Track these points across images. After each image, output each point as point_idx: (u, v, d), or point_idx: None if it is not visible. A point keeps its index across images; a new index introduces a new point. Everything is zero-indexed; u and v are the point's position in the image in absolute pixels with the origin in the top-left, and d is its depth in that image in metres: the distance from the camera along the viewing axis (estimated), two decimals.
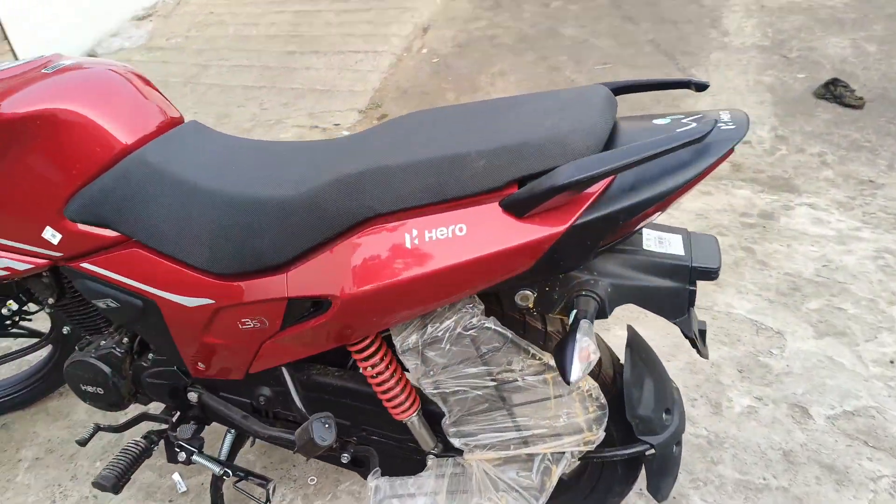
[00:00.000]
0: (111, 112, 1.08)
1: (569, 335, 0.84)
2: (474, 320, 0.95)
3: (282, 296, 0.98)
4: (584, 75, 3.91)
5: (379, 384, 1.07)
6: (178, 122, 1.19)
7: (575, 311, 0.89)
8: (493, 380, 1.01)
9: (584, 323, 0.85)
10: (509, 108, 0.98)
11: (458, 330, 0.95)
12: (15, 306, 1.49)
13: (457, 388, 1.01)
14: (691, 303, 0.94)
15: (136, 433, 1.39)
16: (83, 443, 1.34)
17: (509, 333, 0.98)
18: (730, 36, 4.01)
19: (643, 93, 1.07)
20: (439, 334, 0.96)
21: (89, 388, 1.28)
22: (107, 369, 1.25)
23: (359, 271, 0.90)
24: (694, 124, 0.86)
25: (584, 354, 0.81)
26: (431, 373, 1.01)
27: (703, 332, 1.03)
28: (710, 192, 2.79)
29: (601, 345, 1.14)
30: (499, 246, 0.83)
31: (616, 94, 1.06)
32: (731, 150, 0.84)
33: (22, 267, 1.16)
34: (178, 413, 1.33)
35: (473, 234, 0.85)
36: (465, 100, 3.81)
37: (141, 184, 1.05)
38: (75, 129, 1.05)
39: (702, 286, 2.32)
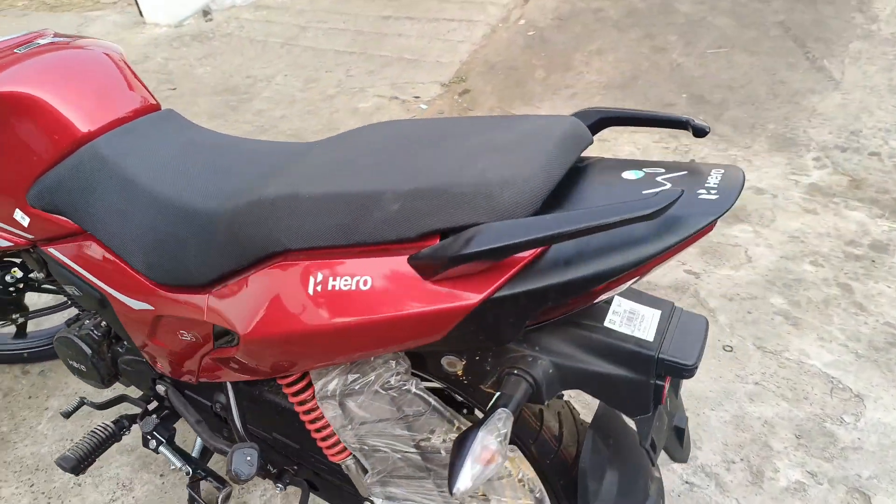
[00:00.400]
0: (73, 98, 1.04)
1: (471, 429, 0.69)
2: (393, 380, 0.82)
3: (202, 318, 0.91)
4: (693, 59, 3.50)
5: (311, 422, 0.97)
6: (150, 110, 1.13)
7: (497, 395, 0.73)
8: (415, 445, 0.88)
9: (500, 413, 0.69)
10: (458, 135, 0.81)
11: (376, 387, 0.83)
12: (20, 274, 1.55)
13: (378, 446, 0.90)
14: (658, 400, 0.75)
15: (118, 412, 1.41)
16: (66, 415, 1.38)
17: (432, 400, 0.84)
18: (878, 23, 3.39)
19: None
20: (357, 387, 0.84)
21: (74, 364, 1.30)
22: (87, 350, 1.26)
23: (259, 311, 0.80)
24: (668, 185, 0.66)
25: (482, 457, 0.66)
26: (349, 426, 0.89)
27: (680, 432, 0.83)
28: (814, 211, 2.39)
29: (564, 411, 0.97)
30: (402, 310, 0.69)
31: (602, 126, 0.86)
32: (708, 229, 0.64)
33: (3, 244, 1.18)
34: (154, 401, 1.32)
35: (377, 290, 0.71)
36: (554, 79, 3.55)
37: (92, 176, 1.00)
38: (35, 114, 1.02)
39: (774, 318, 2.01)
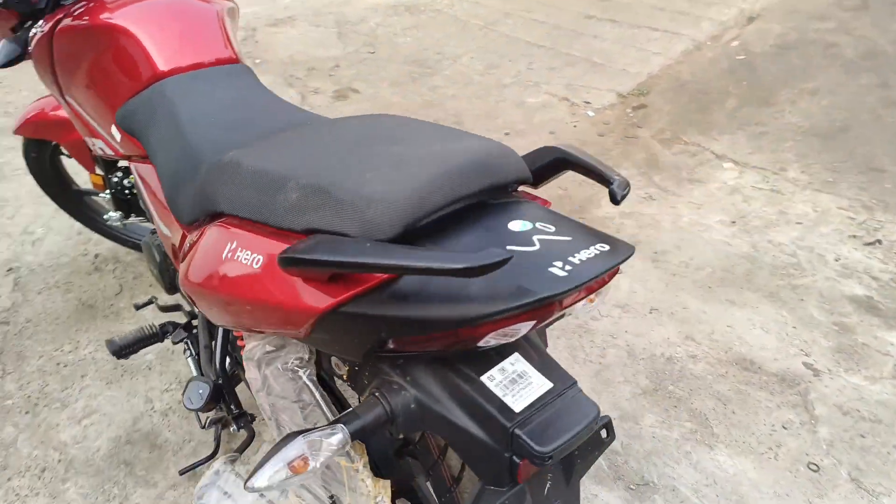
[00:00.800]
0: (161, 39, 1.17)
1: (299, 432, 0.66)
2: (292, 362, 0.82)
3: (182, 254, 0.99)
4: None
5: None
6: (227, 61, 1.23)
7: (347, 411, 0.70)
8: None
9: (336, 428, 0.66)
10: (399, 140, 0.78)
11: (279, 364, 0.84)
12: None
13: (284, 423, 0.90)
14: (515, 477, 0.66)
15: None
16: (137, 307, 1.60)
17: (317, 393, 0.82)
18: None
19: None
20: (268, 359, 0.86)
21: (150, 267, 1.50)
22: (157, 258, 1.44)
23: (192, 260, 0.85)
24: (537, 245, 0.59)
25: (291, 463, 0.63)
26: (263, 392, 0.91)
27: None
28: None
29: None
30: (271, 298, 0.69)
31: (561, 167, 0.76)
32: (545, 309, 0.55)
33: (108, 152, 1.39)
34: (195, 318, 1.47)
35: (263, 272, 0.72)
36: (746, 112, 3.16)
37: (155, 109, 1.13)
38: (130, 47, 1.17)
39: (892, 453, 1.58)
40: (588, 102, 3.43)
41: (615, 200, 0.75)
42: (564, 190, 2.69)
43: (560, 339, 1.91)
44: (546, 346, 0.86)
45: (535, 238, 0.65)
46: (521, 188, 0.83)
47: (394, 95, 3.58)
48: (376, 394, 0.71)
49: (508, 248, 0.63)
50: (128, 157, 1.35)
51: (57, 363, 1.82)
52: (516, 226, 0.68)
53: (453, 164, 0.70)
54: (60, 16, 1.27)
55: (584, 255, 0.63)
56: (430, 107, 3.45)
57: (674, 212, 2.53)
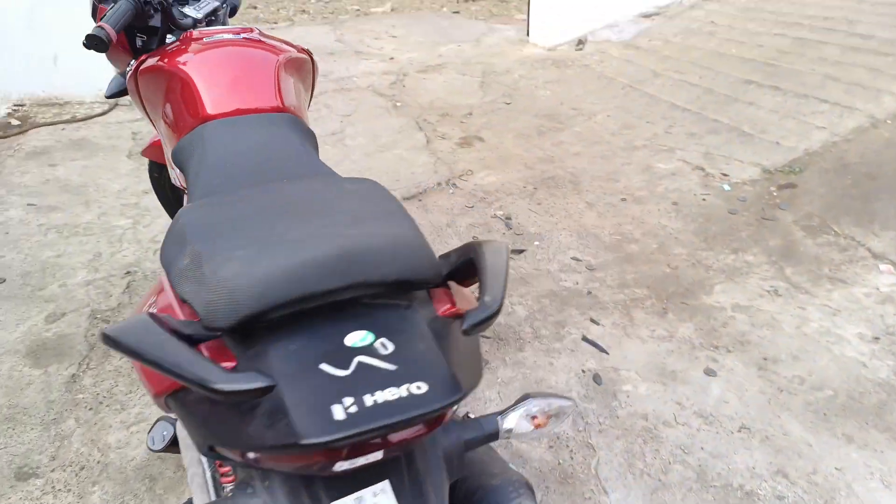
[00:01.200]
0: (211, 85, 1.21)
1: None
2: None
3: None
4: None
5: None
6: (271, 109, 1.24)
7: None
8: None
9: None
10: (324, 211, 0.72)
11: None
12: None
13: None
14: None
15: None
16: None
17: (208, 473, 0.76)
18: None
19: None
20: None
21: None
22: None
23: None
24: (348, 371, 0.48)
25: None
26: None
27: None
28: None
29: None
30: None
31: (469, 271, 0.63)
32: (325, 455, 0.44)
33: (177, 182, 1.47)
34: None
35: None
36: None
37: (193, 150, 1.17)
38: (186, 90, 1.23)
39: None
40: (725, 175, 3.10)
41: (464, 328, 0.59)
42: (673, 269, 2.41)
43: (619, 440, 1.68)
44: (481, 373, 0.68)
45: (356, 360, 0.57)
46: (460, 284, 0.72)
47: (516, 147, 3.53)
48: (169, 416, 0.68)
49: (320, 366, 0.55)
50: (184, 191, 1.43)
51: (131, 366, 1.97)
52: (353, 338, 0.58)
53: (323, 252, 0.62)
54: (145, 56, 1.39)
55: (388, 394, 0.53)
56: (548, 162, 3.34)
57: (801, 314, 2.15)
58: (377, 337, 0.58)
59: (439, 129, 3.85)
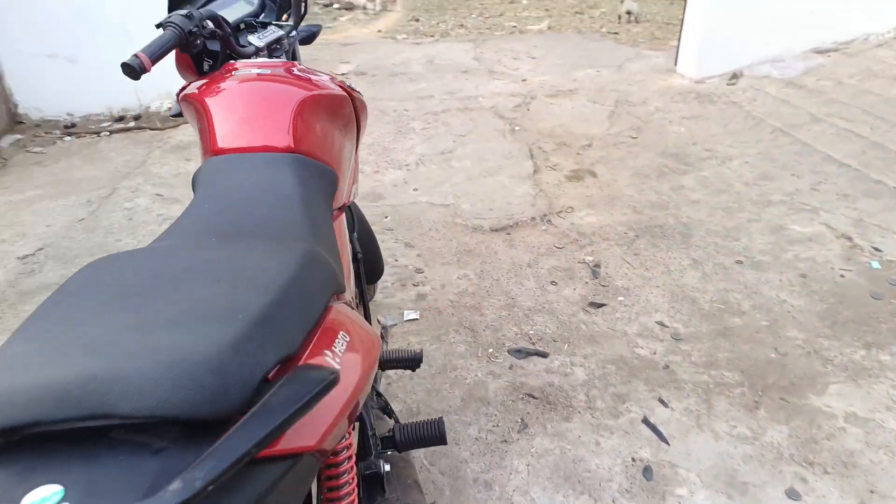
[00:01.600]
0: (226, 118, 1.17)
1: None
2: None
3: None
4: None
5: None
6: (279, 149, 1.16)
7: None
8: None
9: None
10: (195, 296, 0.61)
11: None
12: None
13: None
14: None
15: None
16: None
17: None
18: None
19: None
20: None
21: None
22: None
23: None
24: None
25: None
26: None
27: None
28: None
29: None
30: None
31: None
32: None
33: None
34: None
35: None
36: None
37: (196, 185, 1.14)
38: (207, 121, 1.20)
39: None
40: (878, 250, 2.58)
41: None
42: (781, 355, 2.03)
43: None
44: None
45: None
46: None
47: (628, 187, 3.24)
48: None
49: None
50: None
51: None
52: (35, 496, 0.45)
53: (67, 373, 0.51)
54: (186, 84, 1.39)
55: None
56: (660, 207, 3.01)
57: None
58: (63, 491, 0.46)
59: (552, 158, 3.65)
